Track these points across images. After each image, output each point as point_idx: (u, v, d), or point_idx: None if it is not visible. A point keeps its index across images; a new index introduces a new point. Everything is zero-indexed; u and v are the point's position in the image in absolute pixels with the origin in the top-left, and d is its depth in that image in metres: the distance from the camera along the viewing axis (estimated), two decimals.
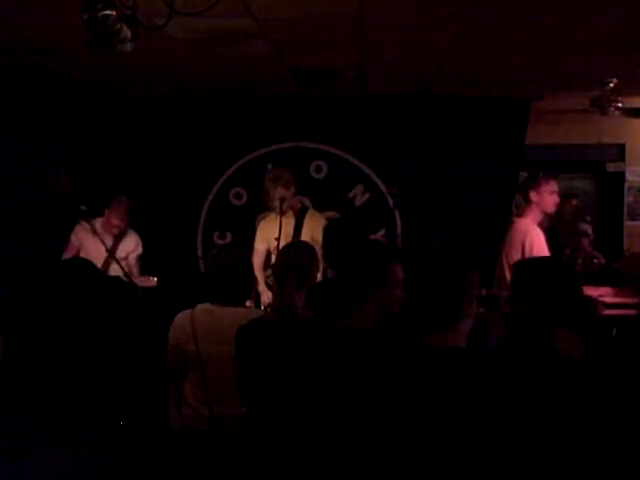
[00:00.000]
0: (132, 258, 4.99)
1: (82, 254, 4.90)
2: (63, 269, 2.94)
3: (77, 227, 4.94)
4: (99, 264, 4.77)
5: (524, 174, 5.57)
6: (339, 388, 1.87)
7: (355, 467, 1.72)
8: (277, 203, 4.42)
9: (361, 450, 1.71)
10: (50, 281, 2.70)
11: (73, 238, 4.97)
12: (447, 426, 1.60)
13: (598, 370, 2.15)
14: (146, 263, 5.15)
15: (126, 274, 4.51)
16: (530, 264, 2.66)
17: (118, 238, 4.95)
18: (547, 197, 4.56)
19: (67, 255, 4.90)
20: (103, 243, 4.64)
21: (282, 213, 4.39)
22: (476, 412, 1.60)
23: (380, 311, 2.22)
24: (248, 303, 4.23)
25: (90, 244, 4.85)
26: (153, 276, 4.81)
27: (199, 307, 3.01)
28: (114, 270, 4.69)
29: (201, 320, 2.95)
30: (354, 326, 2.15)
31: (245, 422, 2.60)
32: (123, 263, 4.78)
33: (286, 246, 3.08)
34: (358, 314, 2.19)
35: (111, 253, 4.71)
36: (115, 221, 4.87)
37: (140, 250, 5.05)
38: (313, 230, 4.54)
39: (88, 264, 2.92)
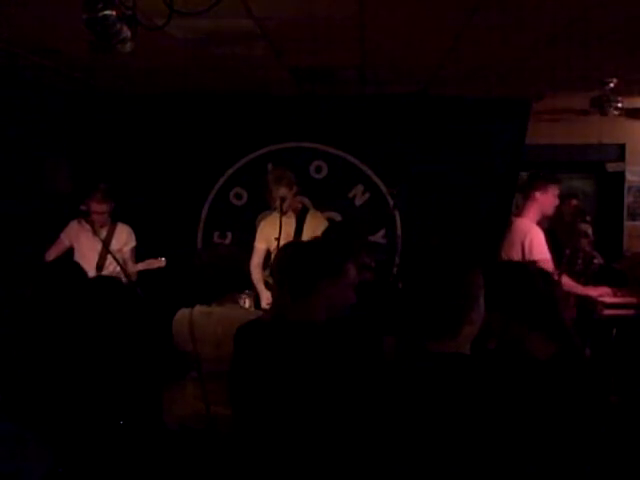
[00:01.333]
0: (126, 251, 4.99)
1: (76, 251, 4.91)
2: (50, 271, 2.95)
3: (70, 225, 4.94)
4: (94, 259, 4.79)
5: (524, 174, 5.57)
6: (336, 389, 1.87)
7: (350, 469, 1.71)
8: (278, 202, 4.43)
9: (356, 452, 1.69)
10: (38, 283, 2.71)
11: (63, 236, 4.97)
12: (443, 432, 1.58)
13: (572, 372, 2.09)
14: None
15: (124, 270, 4.52)
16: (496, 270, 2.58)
17: (110, 230, 4.94)
18: (551, 199, 4.61)
19: (53, 251, 4.90)
20: (102, 241, 4.65)
21: (283, 213, 4.40)
22: (472, 420, 1.57)
23: (329, 305, 2.24)
24: (247, 303, 4.23)
25: (86, 242, 4.86)
26: (160, 257, 4.81)
27: (198, 307, 3.01)
28: (109, 263, 4.70)
29: (199, 321, 2.96)
30: (302, 320, 2.15)
31: (237, 422, 2.59)
32: (118, 257, 4.80)
33: (284, 246, 3.08)
34: (306, 307, 2.19)
35: (109, 251, 4.71)
36: (94, 206, 4.78)
37: (134, 242, 5.04)
38: (314, 231, 4.52)
39: (75, 265, 2.93)
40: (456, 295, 1.69)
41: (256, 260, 4.67)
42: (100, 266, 4.81)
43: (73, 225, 4.95)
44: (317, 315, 2.23)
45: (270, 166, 5.47)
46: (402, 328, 1.82)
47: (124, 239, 4.99)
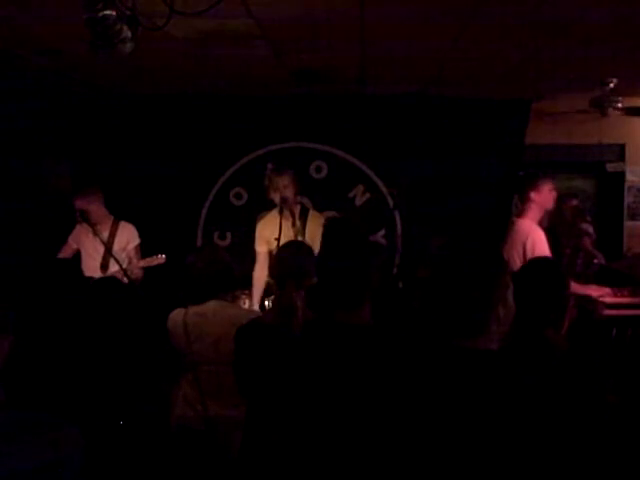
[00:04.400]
0: (130, 249, 4.99)
1: (82, 253, 4.92)
2: (45, 272, 2.96)
3: (77, 228, 4.96)
4: (98, 261, 4.79)
5: (520, 174, 5.58)
6: (352, 389, 1.85)
7: (362, 470, 1.70)
8: (279, 202, 4.42)
9: (371, 453, 1.68)
10: (34, 283, 2.72)
11: (70, 239, 4.99)
12: (477, 429, 1.55)
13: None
14: None
15: (124, 270, 4.51)
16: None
17: (113, 229, 4.94)
18: (547, 195, 4.63)
19: (60, 255, 4.91)
20: (101, 241, 4.65)
21: (283, 212, 4.39)
22: (507, 415, 1.55)
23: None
24: (247, 304, 4.23)
25: (88, 243, 4.87)
26: (160, 254, 4.81)
27: (192, 308, 3.01)
28: (114, 263, 4.70)
29: (193, 321, 2.95)
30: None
31: (245, 422, 2.60)
32: (122, 256, 4.81)
33: (283, 246, 3.08)
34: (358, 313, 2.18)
35: (108, 249, 4.71)
36: (75, 204, 4.77)
37: (137, 240, 5.03)
38: (314, 231, 4.51)
39: (71, 265, 2.95)
40: (481, 294, 1.67)
41: (261, 264, 4.62)
42: (105, 266, 4.82)
43: (77, 228, 4.96)
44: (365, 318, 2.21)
45: (270, 166, 5.46)
46: (424, 326, 1.78)
47: (126, 237, 4.99)
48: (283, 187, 4.45)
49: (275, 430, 2.19)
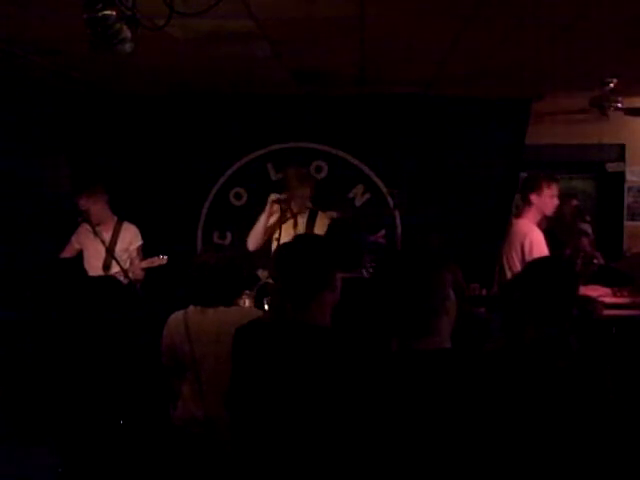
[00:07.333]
0: (133, 250, 5.00)
1: (84, 253, 4.93)
2: (52, 271, 2.96)
3: (80, 228, 4.96)
4: (100, 262, 4.80)
5: (524, 174, 5.57)
6: (333, 391, 1.86)
7: (350, 469, 1.71)
8: (298, 201, 4.41)
9: (355, 452, 1.70)
10: (41, 282, 2.72)
11: (73, 239, 5.00)
12: (442, 429, 1.58)
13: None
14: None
15: (125, 270, 4.51)
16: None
17: (116, 229, 4.95)
18: (547, 200, 4.58)
19: (63, 255, 4.92)
20: (102, 242, 4.66)
21: (291, 214, 4.39)
22: (470, 414, 1.58)
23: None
24: (247, 303, 4.23)
25: (90, 243, 4.87)
26: (161, 255, 4.80)
27: (192, 308, 3.00)
28: (115, 266, 4.71)
29: (194, 321, 2.94)
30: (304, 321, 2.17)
31: (243, 423, 2.59)
32: (125, 256, 4.82)
33: (281, 246, 3.07)
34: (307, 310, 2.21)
35: (110, 251, 4.71)
36: (79, 203, 4.79)
37: (140, 241, 5.04)
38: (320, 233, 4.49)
39: (76, 265, 2.94)
40: (427, 293, 1.75)
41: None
42: (107, 266, 4.82)
43: (80, 228, 4.96)
44: (318, 318, 2.23)
45: (270, 166, 5.47)
46: (384, 329, 1.84)
47: (129, 238, 5.00)
48: (301, 197, 4.44)
49: (270, 431, 2.19)
